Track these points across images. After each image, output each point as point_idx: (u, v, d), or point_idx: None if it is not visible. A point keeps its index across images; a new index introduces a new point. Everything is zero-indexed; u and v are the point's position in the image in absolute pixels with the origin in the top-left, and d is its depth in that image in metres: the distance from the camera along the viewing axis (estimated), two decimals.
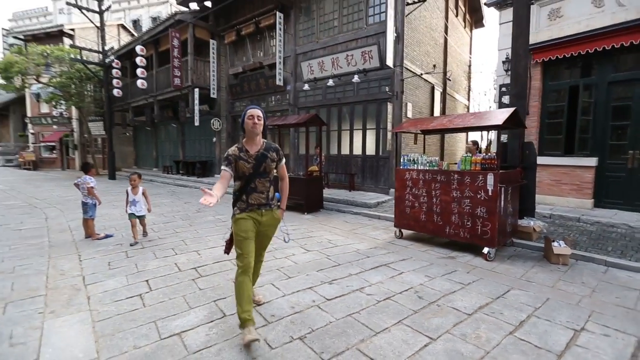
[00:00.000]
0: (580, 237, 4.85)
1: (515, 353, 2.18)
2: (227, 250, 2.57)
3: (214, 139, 13.53)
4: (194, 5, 13.34)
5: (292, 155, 10.76)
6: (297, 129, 10.52)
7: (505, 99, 7.09)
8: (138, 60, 13.35)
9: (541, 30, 6.65)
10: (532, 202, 5.07)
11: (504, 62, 7.12)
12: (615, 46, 5.75)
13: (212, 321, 2.57)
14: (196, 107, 12.37)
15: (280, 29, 10.08)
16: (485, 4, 5.97)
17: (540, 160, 6.84)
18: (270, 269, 3.72)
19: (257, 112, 2.33)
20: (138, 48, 13.45)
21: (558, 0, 6.41)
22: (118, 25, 24.30)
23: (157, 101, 14.49)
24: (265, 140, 2.47)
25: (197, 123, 12.60)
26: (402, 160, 5.15)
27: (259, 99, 12.05)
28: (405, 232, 5.23)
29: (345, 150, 9.54)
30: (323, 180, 7.82)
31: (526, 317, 2.68)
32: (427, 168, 4.79)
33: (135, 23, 31.76)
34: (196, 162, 13.43)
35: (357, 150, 9.22)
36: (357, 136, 9.26)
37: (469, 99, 14.21)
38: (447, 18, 10.99)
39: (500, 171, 4.12)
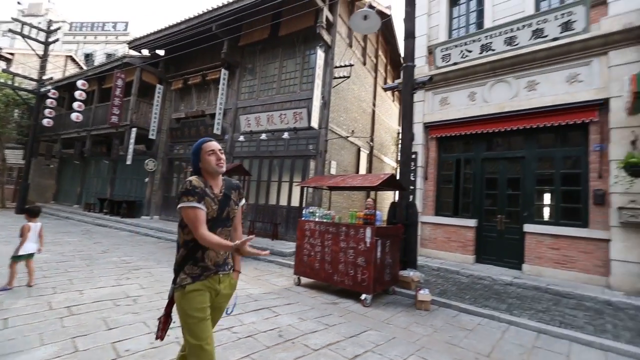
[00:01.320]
0: (450, 287, 5.58)
1: None
2: (161, 335, 1.78)
3: (146, 180, 13.23)
4: (146, 51, 13.91)
5: None
6: (231, 177, 10.85)
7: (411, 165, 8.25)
8: (77, 93, 13.19)
9: (435, 112, 8.15)
10: (414, 255, 5.80)
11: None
12: (484, 131, 7.27)
13: (59, 357, 2.59)
14: (131, 146, 12.25)
15: (223, 84, 10.89)
16: (382, 88, 7.25)
17: (437, 219, 7.92)
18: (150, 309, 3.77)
19: (217, 145, 1.82)
20: (80, 82, 13.37)
21: (446, 91, 8.01)
22: (67, 56, 23.91)
23: (91, 136, 14.08)
24: (225, 178, 1.91)
25: (129, 162, 12.37)
26: (304, 212, 5.70)
27: None
28: (305, 279, 5.58)
29: (272, 201, 9.99)
30: (243, 227, 8.05)
31: (363, 352, 3.09)
32: (323, 220, 5.37)
33: (88, 57, 31.38)
34: (123, 202, 12.84)
35: (283, 201, 9.72)
36: (284, 188, 9.83)
37: (396, 162, 15.90)
38: (375, 92, 12.76)
39: (378, 226, 4.81)
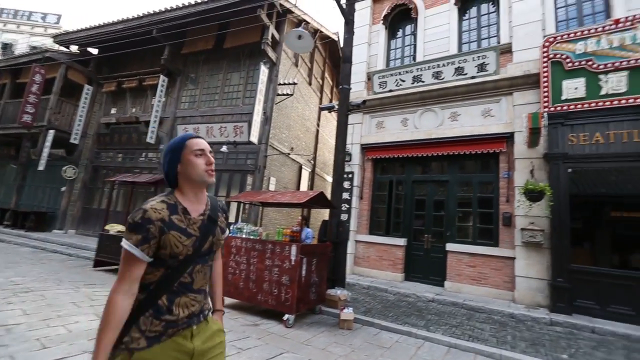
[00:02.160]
0: (376, 305, 5.67)
1: None
2: None
3: (63, 189, 11.75)
4: (76, 48, 12.70)
5: None
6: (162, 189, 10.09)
7: (346, 184, 8.46)
8: None
9: (372, 135, 8.54)
10: (343, 273, 5.83)
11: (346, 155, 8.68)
12: (415, 155, 7.77)
13: None
14: (46, 150, 10.86)
15: (162, 91, 10.31)
16: (320, 108, 7.46)
17: (370, 238, 8.12)
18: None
19: (207, 144, 1.33)
20: None
21: (382, 115, 8.48)
22: None
23: None
24: (208, 195, 1.41)
25: (42, 167, 10.91)
26: (231, 228, 5.45)
27: (129, 152, 11.41)
28: (228, 300, 5.25)
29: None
30: None
31: None
32: (250, 237, 5.17)
33: (6, 47, 27.76)
34: (31, 213, 11.18)
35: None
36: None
37: None
38: (320, 112, 13.06)
39: (304, 244, 4.75)
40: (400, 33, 9.17)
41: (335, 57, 14.38)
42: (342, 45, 6.84)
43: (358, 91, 8.76)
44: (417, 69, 7.94)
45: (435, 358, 3.74)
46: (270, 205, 6.27)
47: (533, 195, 5.67)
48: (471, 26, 8.03)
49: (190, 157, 1.24)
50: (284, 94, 9.53)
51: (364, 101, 6.68)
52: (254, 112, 8.50)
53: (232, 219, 9.06)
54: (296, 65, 10.78)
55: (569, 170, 6.01)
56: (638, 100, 5.51)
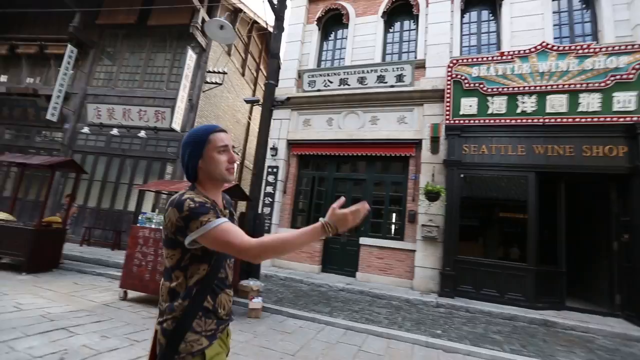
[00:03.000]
0: (289, 295, 5.93)
1: None
2: None
3: None
4: None
5: (52, 204, 8.90)
6: (64, 174, 8.98)
7: (271, 178, 8.57)
8: None
9: (298, 131, 8.77)
10: (258, 265, 5.95)
11: (271, 149, 8.76)
12: (337, 153, 8.22)
13: None
14: None
15: (69, 62, 9.11)
16: (244, 100, 7.45)
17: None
18: None
19: (230, 139, 1.27)
20: None
21: (310, 113, 8.77)
22: None
23: None
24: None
25: None
26: (139, 218, 5.17)
27: (22, 130, 9.86)
28: (133, 293, 4.98)
29: (119, 205, 8.74)
30: (66, 233, 6.69)
31: None
32: (159, 227, 4.98)
33: None
34: None
35: (132, 207, 8.62)
36: (135, 192, 8.76)
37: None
38: (253, 105, 12.90)
39: None
40: (333, 36, 9.57)
41: None
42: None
43: (288, 87, 8.92)
44: (345, 72, 8.40)
45: (332, 340, 4.10)
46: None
47: (431, 195, 6.49)
48: (394, 39, 8.77)
49: (214, 154, 1.17)
50: (212, 83, 9.22)
51: (288, 98, 6.86)
52: (178, 98, 8.09)
53: (145, 208, 8.51)
54: (229, 54, 10.49)
55: (462, 175, 7.02)
56: (511, 121, 6.69)
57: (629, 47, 6.17)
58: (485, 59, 7.01)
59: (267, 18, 11.88)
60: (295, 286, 6.72)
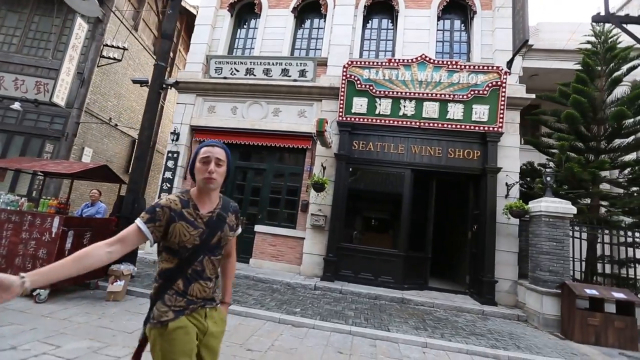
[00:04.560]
0: None
1: None
2: None
3: None
4: None
5: None
6: None
7: (170, 163, 8.31)
8: None
9: (203, 118, 8.62)
10: (134, 249, 5.80)
11: (171, 134, 8.48)
12: (240, 142, 8.27)
13: None
14: None
15: None
16: (131, 80, 7.11)
17: None
18: None
19: (218, 151, 1.44)
20: None
21: (215, 100, 8.65)
22: None
23: None
24: (222, 195, 1.58)
25: None
26: None
27: None
28: None
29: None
30: None
31: None
32: (7, 208, 4.58)
33: None
34: None
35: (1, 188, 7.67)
36: (9, 174, 7.80)
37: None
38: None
39: (71, 216, 4.54)
40: (247, 24, 9.52)
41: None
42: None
43: (194, 72, 8.70)
44: (252, 62, 8.46)
45: None
46: (46, 175, 5.63)
47: (317, 186, 6.94)
48: (304, 35, 9.06)
49: (198, 164, 1.43)
50: (110, 58, 8.55)
51: (177, 82, 6.73)
52: (62, 69, 7.36)
53: (23, 190, 7.65)
54: (135, 29, 9.80)
55: (350, 169, 7.62)
56: (395, 122, 7.44)
57: (485, 67, 7.28)
58: (375, 63, 7.66)
59: None
60: None
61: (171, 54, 12.33)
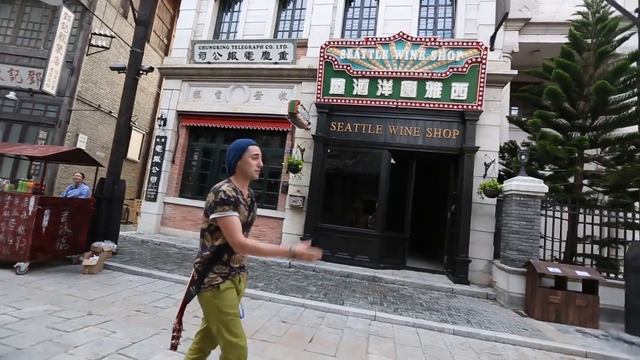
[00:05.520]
0: (148, 256, 6.28)
1: None
2: (175, 344, 1.80)
3: None
4: None
5: None
6: None
7: (159, 148, 8.64)
8: None
9: (188, 103, 8.84)
10: (116, 227, 6.20)
11: (158, 119, 8.76)
12: (224, 126, 8.48)
13: None
14: None
15: None
16: (110, 67, 7.35)
17: (178, 200, 8.62)
18: None
19: (260, 151, 1.84)
20: None
21: (200, 85, 8.84)
22: None
23: None
24: None
25: None
26: None
27: None
28: None
29: None
30: None
31: None
32: None
33: None
34: None
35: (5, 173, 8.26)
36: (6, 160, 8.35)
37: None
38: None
39: (47, 196, 4.90)
40: (231, 8, 9.53)
41: None
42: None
43: (179, 57, 8.87)
44: (234, 46, 8.53)
45: (149, 290, 4.56)
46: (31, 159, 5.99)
47: (292, 167, 7.09)
48: (286, 17, 9.00)
49: (248, 159, 1.74)
50: (98, 46, 8.83)
51: (151, 67, 6.90)
52: (50, 59, 7.69)
53: (22, 175, 8.20)
54: (125, 16, 10.01)
55: (328, 150, 7.70)
56: (372, 102, 7.40)
57: (464, 43, 7.06)
58: (353, 43, 7.57)
59: None
60: (163, 250, 7.09)
61: (165, 41, 12.53)
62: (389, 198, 7.40)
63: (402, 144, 7.39)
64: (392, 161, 7.49)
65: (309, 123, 7.58)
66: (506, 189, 6.18)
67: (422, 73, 7.22)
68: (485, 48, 6.92)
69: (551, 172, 7.26)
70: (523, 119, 7.52)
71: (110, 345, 2.83)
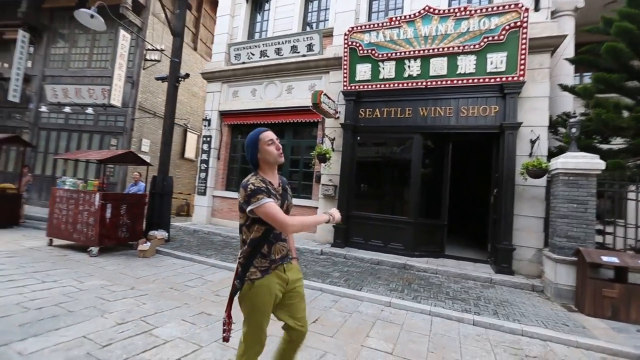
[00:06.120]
0: (195, 243, 7.06)
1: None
2: (227, 336, 1.77)
3: None
4: None
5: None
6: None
7: (205, 146, 9.51)
8: None
9: (228, 102, 9.52)
10: (167, 218, 7.07)
11: (204, 120, 9.60)
12: (261, 122, 8.96)
13: None
14: None
15: (22, 47, 10.13)
16: (155, 78, 8.22)
17: (224, 194, 9.43)
18: None
19: (274, 135, 1.81)
20: None
21: (237, 85, 9.44)
22: None
23: None
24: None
25: None
26: (57, 182, 6.35)
27: None
28: (57, 241, 6.28)
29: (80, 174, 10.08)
30: (21, 197, 7.97)
31: (35, 280, 4.11)
32: (70, 188, 6.13)
33: None
34: None
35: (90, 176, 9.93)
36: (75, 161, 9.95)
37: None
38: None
39: (108, 192, 5.84)
40: (263, 7, 9.90)
41: None
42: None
43: (218, 62, 9.56)
44: (264, 44, 8.90)
45: (186, 272, 5.18)
46: (86, 161, 7.08)
47: (320, 157, 7.23)
48: (313, 8, 9.05)
49: (265, 147, 1.72)
50: (152, 60, 9.98)
51: (187, 74, 7.56)
52: (114, 76, 8.97)
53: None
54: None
55: (358, 138, 7.65)
56: (400, 85, 7.12)
57: (500, 8, 6.33)
58: (376, 25, 7.32)
59: None
60: (209, 238, 7.87)
61: (209, 47, 13.52)
62: (422, 184, 7.11)
63: (434, 125, 6.99)
64: (428, 144, 7.14)
65: (337, 112, 7.60)
66: (552, 168, 5.48)
67: (453, 47, 6.68)
68: (526, 10, 6.11)
69: (623, 146, 6.19)
70: (579, 85, 6.50)
71: (137, 313, 3.38)
